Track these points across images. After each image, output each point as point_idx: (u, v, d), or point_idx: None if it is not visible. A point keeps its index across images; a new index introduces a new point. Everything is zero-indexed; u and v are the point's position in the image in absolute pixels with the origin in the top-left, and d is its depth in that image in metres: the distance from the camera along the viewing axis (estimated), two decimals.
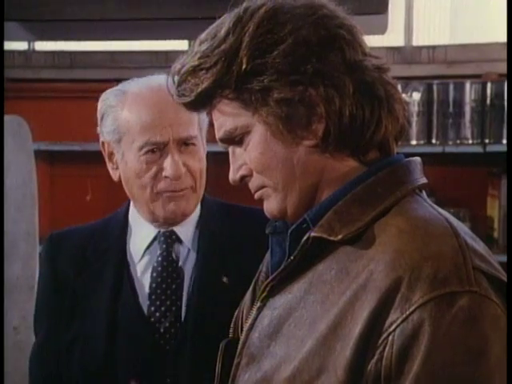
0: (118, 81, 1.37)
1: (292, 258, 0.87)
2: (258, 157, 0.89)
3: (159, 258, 1.33)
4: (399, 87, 2.94)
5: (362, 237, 0.83)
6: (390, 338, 0.77)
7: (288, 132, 0.86)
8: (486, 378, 0.76)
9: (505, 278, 0.81)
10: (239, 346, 0.91)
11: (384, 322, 0.77)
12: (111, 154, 1.34)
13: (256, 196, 0.92)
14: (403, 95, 2.73)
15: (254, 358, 0.88)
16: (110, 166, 1.35)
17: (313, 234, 0.85)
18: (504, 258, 2.69)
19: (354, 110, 0.85)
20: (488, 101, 2.73)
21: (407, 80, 2.80)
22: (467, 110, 2.73)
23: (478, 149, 2.70)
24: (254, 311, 0.90)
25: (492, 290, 0.79)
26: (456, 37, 3.10)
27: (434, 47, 2.98)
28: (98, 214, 1.54)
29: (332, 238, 0.84)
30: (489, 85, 2.73)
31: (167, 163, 1.28)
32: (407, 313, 0.76)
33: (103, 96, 1.34)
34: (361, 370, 0.78)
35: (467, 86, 2.73)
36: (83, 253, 1.36)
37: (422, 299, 0.76)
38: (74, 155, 3.06)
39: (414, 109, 2.76)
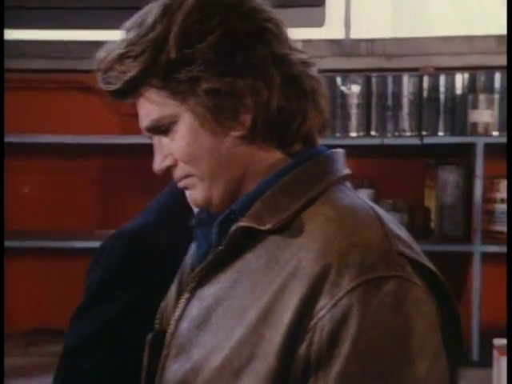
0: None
1: (220, 248, 0.88)
2: (184, 147, 0.89)
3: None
4: (338, 80, 2.98)
5: (290, 226, 0.85)
6: (320, 323, 0.79)
7: (216, 122, 0.87)
8: (410, 357, 0.79)
9: (426, 263, 0.85)
10: (167, 338, 0.91)
11: (314, 308, 0.79)
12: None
13: (181, 185, 0.93)
14: (342, 88, 2.76)
15: (183, 348, 0.89)
16: None
17: (241, 224, 0.86)
18: (441, 248, 2.76)
19: (281, 102, 0.87)
20: (425, 94, 2.78)
21: (346, 73, 2.83)
22: (405, 102, 2.78)
23: (416, 141, 2.75)
24: (183, 302, 0.91)
25: (415, 273, 0.82)
26: (396, 30, 3.15)
27: (372, 40, 3.02)
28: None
29: (261, 228, 0.85)
30: (425, 78, 2.78)
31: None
32: (336, 298, 0.78)
33: None
34: (292, 356, 0.80)
35: (405, 79, 2.77)
36: None
37: (350, 284, 0.78)
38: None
39: (353, 101, 2.79)
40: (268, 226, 0.85)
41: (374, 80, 2.79)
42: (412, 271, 0.82)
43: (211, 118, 0.87)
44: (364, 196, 2.94)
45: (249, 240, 0.87)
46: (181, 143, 0.89)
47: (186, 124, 0.88)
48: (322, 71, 3.17)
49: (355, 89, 2.77)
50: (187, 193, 0.94)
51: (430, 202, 2.88)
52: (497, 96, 2.74)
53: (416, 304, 0.80)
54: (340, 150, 0.95)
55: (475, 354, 2.72)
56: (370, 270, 0.79)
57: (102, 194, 3.13)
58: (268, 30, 0.88)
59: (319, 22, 2.90)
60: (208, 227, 0.93)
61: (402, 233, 0.87)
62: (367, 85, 2.79)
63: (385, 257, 0.81)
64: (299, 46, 0.92)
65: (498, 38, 2.96)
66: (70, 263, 2.99)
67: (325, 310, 0.79)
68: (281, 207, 0.86)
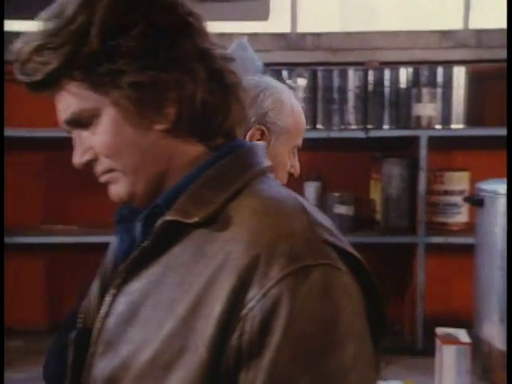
0: None
1: (146, 242, 0.87)
2: (107, 140, 0.88)
3: None
4: (284, 73, 2.98)
5: (217, 219, 0.85)
6: (251, 313, 0.80)
7: (139, 116, 0.87)
8: (339, 342, 0.81)
9: (350, 249, 0.86)
10: (94, 335, 0.90)
11: (244, 299, 0.80)
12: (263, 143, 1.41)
13: (102, 179, 0.92)
14: (288, 81, 2.77)
15: (110, 345, 0.88)
16: None
17: (167, 218, 0.86)
18: (386, 239, 2.81)
19: (205, 96, 0.87)
20: (370, 88, 2.81)
21: (292, 66, 2.85)
22: (350, 96, 2.81)
23: (361, 134, 2.78)
24: (109, 298, 0.90)
25: (340, 260, 0.84)
26: (342, 25, 3.17)
27: (318, 34, 3.04)
28: None
29: (188, 221, 0.85)
30: (370, 72, 2.81)
31: (296, 162, 1.52)
32: (266, 288, 0.79)
33: (274, 88, 1.47)
34: (223, 346, 0.80)
35: (350, 73, 2.80)
36: None
37: (279, 274, 0.79)
38: None
39: (299, 95, 2.80)
40: (195, 219, 0.85)
41: (319, 74, 2.81)
42: (337, 258, 0.84)
43: (135, 112, 0.86)
44: (312, 189, 2.96)
45: (175, 234, 0.87)
46: (103, 137, 0.88)
47: (108, 117, 0.87)
48: (268, 65, 3.20)
49: (301, 82, 2.79)
50: (109, 188, 0.92)
51: (376, 195, 2.91)
52: (439, 90, 2.79)
53: (343, 290, 0.83)
54: (260, 143, 0.96)
55: (420, 343, 2.78)
56: (298, 260, 0.81)
57: (46, 188, 3.08)
58: (190, 24, 0.88)
59: (263, 16, 2.90)
60: (130, 222, 0.93)
61: (326, 222, 0.89)
62: (313, 78, 2.81)
63: (311, 245, 0.82)
64: (217, 40, 0.93)
65: (441, 33, 3.02)
66: (14, 259, 2.93)
67: (255, 301, 0.80)
68: (206, 200, 0.86)
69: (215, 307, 0.81)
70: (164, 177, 0.90)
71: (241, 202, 0.86)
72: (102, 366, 0.88)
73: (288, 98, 1.50)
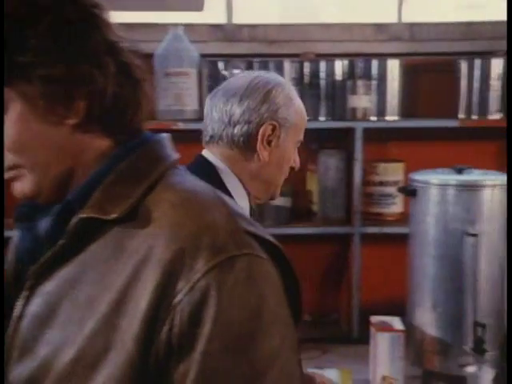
0: None
1: (61, 241, 0.85)
2: (14, 136, 0.85)
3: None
4: (220, 65, 2.97)
5: (135, 214, 0.84)
6: (179, 306, 0.80)
7: (48, 110, 0.85)
8: (266, 330, 0.82)
9: (268, 237, 0.89)
10: (7, 341, 0.87)
11: (171, 293, 0.80)
12: (273, 137, 1.50)
13: (7, 176, 0.89)
14: (224, 73, 2.76)
15: (27, 348, 0.86)
16: (263, 146, 1.49)
17: (83, 215, 0.84)
18: (322, 230, 2.83)
19: (116, 90, 0.86)
20: (306, 79, 2.82)
21: (228, 58, 2.84)
22: None
23: None
24: (21, 301, 0.87)
25: (261, 249, 0.86)
26: (278, 16, 3.17)
27: (254, 26, 3.04)
28: None
29: (105, 218, 0.84)
30: (306, 64, 2.82)
31: (297, 157, 1.61)
32: (193, 281, 0.80)
33: (285, 84, 1.54)
34: (152, 341, 0.80)
35: (286, 64, 2.81)
36: None
37: (205, 267, 0.80)
38: None
39: None
40: (113, 216, 0.84)
41: (255, 65, 2.81)
42: (258, 247, 0.85)
43: (43, 106, 0.84)
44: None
45: (92, 231, 0.85)
46: (9, 132, 0.85)
47: (15, 112, 0.84)
48: (203, 56, 3.18)
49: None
50: (13, 184, 0.89)
51: (312, 186, 2.94)
52: (374, 82, 2.83)
53: (266, 278, 0.84)
54: (166, 135, 0.95)
55: (355, 332, 2.82)
56: (222, 251, 0.82)
57: None
58: (98, 17, 0.88)
59: (198, 6, 2.88)
60: (31, 220, 0.91)
61: (242, 211, 0.90)
62: (249, 70, 2.80)
63: (233, 236, 0.83)
64: (121, 33, 0.92)
65: (376, 26, 3.05)
66: None
67: (182, 294, 0.80)
68: (122, 195, 0.85)
69: (140, 303, 0.80)
70: (72, 173, 0.88)
71: (158, 195, 0.85)
72: (19, 370, 0.86)
73: (295, 94, 1.56)
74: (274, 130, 1.50)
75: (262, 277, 0.84)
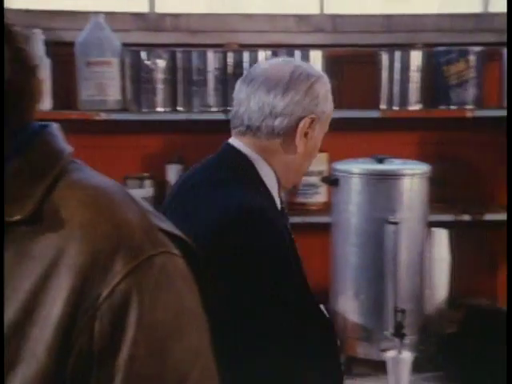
0: None
1: None
2: None
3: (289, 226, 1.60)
4: (143, 54, 2.93)
5: (39, 214, 0.78)
6: (99, 313, 0.75)
7: None
8: (186, 331, 0.80)
9: (177, 232, 0.85)
10: None
11: (89, 299, 0.75)
12: (310, 130, 1.50)
13: None
14: (147, 62, 2.73)
15: None
16: (301, 138, 1.49)
17: None
18: None
19: (12, 77, 0.79)
20: (229, 70, 2.82)
21: (151, 47, 2.81)
22: (210, 78, 2.80)
23: (221, 116, 2.79)
24: None
25: (174, 245, 0.82)
26: (202, 6, 3.16)
27: (177, 15, 3.01)
28: None
29: (7, 219, 0.77)
30: (230, 54, 2.82)
31: None
32: (112, 285, 0.75)
33: (324, 78, 1.55)
34: (68, 352, 0.75)
35: (210, 55, 2.80)
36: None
37: (124, 269, 0.76)
38: None
39: (159, 76, 2.77)
40: (16, 217, 0.77)
41: (179, 55, 2.79)
42: (172, 244, 0.82)
43: None
44: (174, 172, 2.93)
45: None
46: None
47: None
48: (126, 45, 3.14)
49: (160, 64, 2.76)
50: None
51: None
52: None
53: (183, 277, 0.82)
54: (56, 124, 0.88)
55: None
56: (140, 251, 0.77)
57: None
58: None
59: None
60: None
61: (150, 207, 0.86)
62: (172, 60, 2.78)
63: (149, 235, 0.79)
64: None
65: (298, 17, 3.08)
66: None
67: (102, 299, 0.75)
68: (22, 194, 0.78)
69: (53, 311, 0.75)
70: None
71: (63, 193, 0.79)
72: None
73: (330, 86, 1.57)
74: (311, 122, 1.50)
75: (179, 275, 0.81)
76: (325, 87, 1.54)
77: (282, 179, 1.54)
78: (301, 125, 1.48)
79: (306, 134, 1.50)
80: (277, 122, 1.47)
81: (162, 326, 0.78)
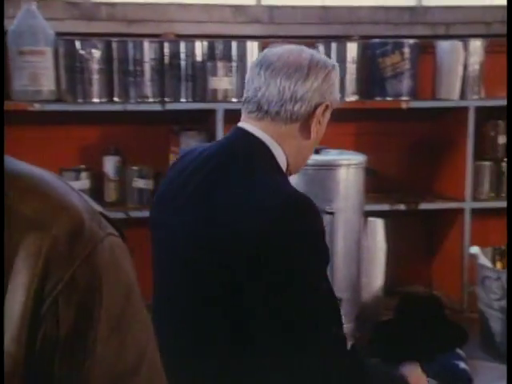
0: None
1: None
2: None
3: None
4: (78, 44, 2.88)
5: None
6: (61, 298, 0.76)
7: None
8: (138, 307, 0.83)
9: (112, 217, 0.87)
10: None
11: (50, 283, 0.76)
12: (323, 117, 1.52)
13: None
14: (82, 52, 2.68)
15: None
16: (316, 124, 1.52)
17: None
18: None
19: None
20: (166, 60, 2.80)
21: (86, 37, 2.76)
22: (147, 68, 2.77)
23: (158, 107, 2.77)
24: None
25: (112, 226, 0.85)
26: None
27: (113, 4, 2.97)
28: None
29: None
30: (166, 44, 2.80)
31: None
32: (73, 269, 0.77)
33: (337, 67, 1.56)
34: (34, 338, 0.76)
35: (146, 45, 2.76)
36: None
37: (82, 253, 0.77)
38: None
39: (94, 66, 2.72)
40: None
41: (114, 45, 2.75)
42: (111, 227, 0.84)
43: None
44: (111, 163, 2.88)
45: None
46: None
47: None
48: (60, 34, 3.07)
49: (96, 54, 2.71)
50: None
51: None
52: (234, 64, 2.84)
53: (126, 256, 0.84)
54: None
55: None
56: (93, 235, 0.79)
57: None
58: None
59: None
60: None
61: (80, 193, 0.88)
62: (108, 50, 2.74)
63: (95, 218, 0.81)
64: None
65: (235, 8, 3.07)
66: None
67: (63, 284, 0.76)
68: None
69: (16, 301, 0.75)
70: None
71: (8, 184, 0.78)
72: None
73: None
74: (325, 109, 1.52)
75: (124, 255, 0.83)
76: (337, 76, 1.57)
77: (291, 164, 1.55)
78: (318, 111, 1.51)
79: (319, 121, 1.54)
80: (296, 107, 1.49)
81: (120, 304, 0.80)
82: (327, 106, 1.53)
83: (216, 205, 1.43)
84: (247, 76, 1.57)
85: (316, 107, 1.51)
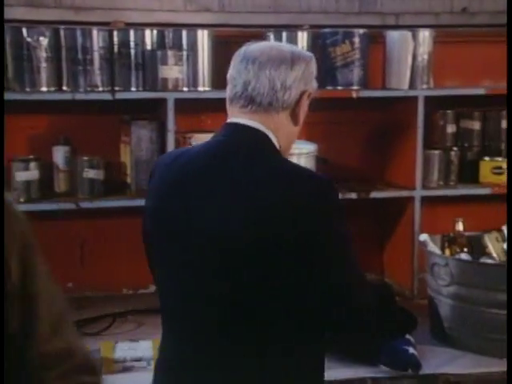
0: None
1: None
2: None
3: None
4: (25, 31, 2.82)
5: None
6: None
7: None
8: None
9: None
10: None
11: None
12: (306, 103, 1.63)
13: None
14: (29, 40, 2.63)
15: None
16: (302, 110, 1.62)
17: None
18: (136, 202, 2.80)
19: None
20: (115, 49, 2.76)
21: (33, 24, 2.70)
22: (96, 57, 2.73)
23: (108, 96, 2.73)
24: None
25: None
26: None
27: None
28: None
29: None
30: (115, 33, 2.76)
31: None
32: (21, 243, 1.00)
33: (313, 59, 1.67)
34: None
35: (94, 33, 2.72)
36: None
37: (23, 232, 1.03)
38: None
39: (42, 54, 2.67)
40: None
41: (62, 33, 2.70)
42: None
43: None
44: (61, 153, 2.83)
45: None
46: None
47: None
48: (6, 21, 3.00)
49: (43, 41, 2.66)
50: None
51: (126, 158, 2.89)
52: (185, 53, 2.82)
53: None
54: None
55: None
56: (23, 216, 1.04)
57: None
58: None
59: None
60: None
61: None
62: (56, 38, 2.69)
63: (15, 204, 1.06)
64: None
65: None
66: None
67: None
68: None
69: None
70: None
71: None
72: None
73: None
74: (308, 96, 1.64)
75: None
76: (315, 66, 1.68)
77: (283, 151, 1.64)
78: (303, 98, 1.61)
79: (303, 108, 1.64)
80: (286, 96, 1.59)
81: (42, 260, 1.01)
82: (310, 94, 1.64)
83: (247, 189, 1.51)
84: (231, 73, 1.64)
85: (302, 95, 1.61)
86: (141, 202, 2.82)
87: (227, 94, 1.66)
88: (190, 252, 1.58)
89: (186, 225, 1.58)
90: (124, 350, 2.24)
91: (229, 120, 1.63)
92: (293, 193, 1.50)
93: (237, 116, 1.62)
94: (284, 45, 1.70)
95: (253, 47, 1.65)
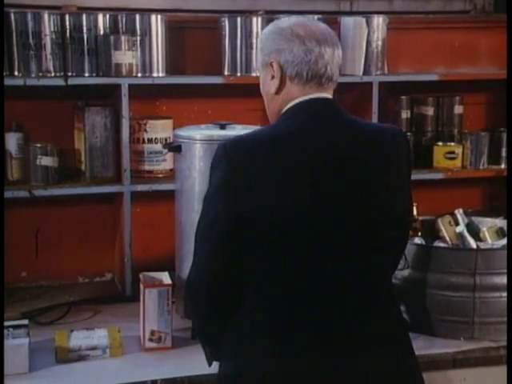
0: None
1: None
2: None
3: None
4: None
5: None
6: None
7: None
8: None
9: None
10: None
11: None
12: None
13: None
14: None
15: None
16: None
17: None
18: (92, 190, 2.77)
19: None
20: (68, 33, 2.71)
21: None
22: (47, 41, 2.68)
23: (61, 82, 2.69)
24: None
25: None
26: None
27: None
28: None
29: None
30: (67, 17, 2.71)
31: None
32: None
33: None
34: None
35: (46, 17, 2.67)
36: None
37: None
38: None
39: None
40: None
41: (12, 16, 2.64)
42: None
43: None
44: (13, 140, 2.79)
45: None
46: None
47: None
48: None
49: None
50: None
51: (80, 145, 2.86)
52: (138, 38, 2.79)
53: None
54: None
55: (128, 290, 2.82)
56: None
57: None
58: None
59: None
60: None
61: None
62: (6, 21, 2.63)
63: None
64: None
65: None
66: None
67: None
68: None
69: None
70: None
71: None
72: None
73: None
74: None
75: None
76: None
77: None
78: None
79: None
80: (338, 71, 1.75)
81: None
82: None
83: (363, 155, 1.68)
84: (310, 55, 1.68)
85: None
86: (96, 190, 2.82)
87: (294, 72, 1.69)
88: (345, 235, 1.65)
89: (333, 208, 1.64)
90: (79, 338, 2.21)
91: (316, 94, 1.70)
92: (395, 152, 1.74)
93: (319, 91, 1.71)
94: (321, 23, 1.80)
95: (310, 26, 1.72)
